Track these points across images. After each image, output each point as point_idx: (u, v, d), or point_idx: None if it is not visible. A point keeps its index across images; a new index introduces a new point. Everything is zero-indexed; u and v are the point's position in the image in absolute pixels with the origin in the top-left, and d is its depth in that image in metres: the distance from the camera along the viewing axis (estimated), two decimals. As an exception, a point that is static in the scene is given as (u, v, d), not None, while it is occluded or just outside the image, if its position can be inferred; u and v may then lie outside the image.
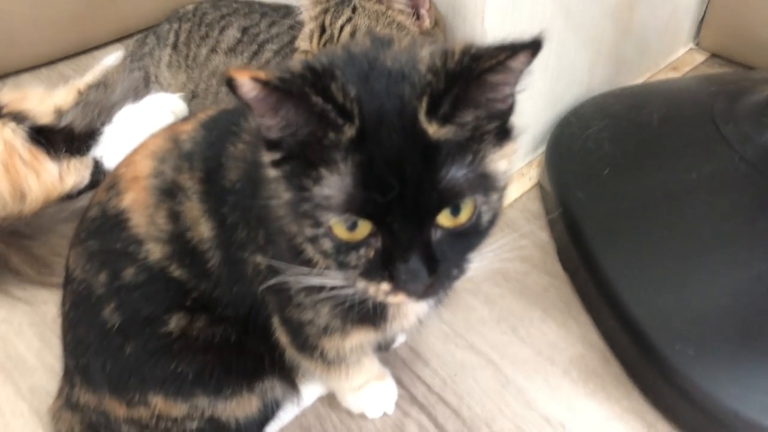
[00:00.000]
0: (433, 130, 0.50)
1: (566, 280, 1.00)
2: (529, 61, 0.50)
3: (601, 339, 0.92)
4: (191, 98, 1.13)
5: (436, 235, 0.53)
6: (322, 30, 0.91)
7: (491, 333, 0.94)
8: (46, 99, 1.25)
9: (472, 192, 0.52)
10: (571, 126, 1.11)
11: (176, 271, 0.69)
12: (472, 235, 0.55)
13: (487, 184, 0.53)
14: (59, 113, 1.22)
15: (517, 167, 1.14)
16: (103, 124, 1.09)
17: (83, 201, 1.07)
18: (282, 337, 0.74)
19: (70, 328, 0.75)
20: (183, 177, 0.69)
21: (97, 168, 1.08)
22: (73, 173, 1.07)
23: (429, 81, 0.50)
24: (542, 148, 1.15)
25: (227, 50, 1.14)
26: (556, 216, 1.03)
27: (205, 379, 0.73)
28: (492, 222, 0.56)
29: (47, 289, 1.00)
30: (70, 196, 1.08)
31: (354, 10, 0.90)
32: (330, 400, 0.87)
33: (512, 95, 0.53)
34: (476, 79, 0.49)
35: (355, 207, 0.51)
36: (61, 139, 1.07)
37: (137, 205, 0.70)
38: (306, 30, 0.94)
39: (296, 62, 0.55)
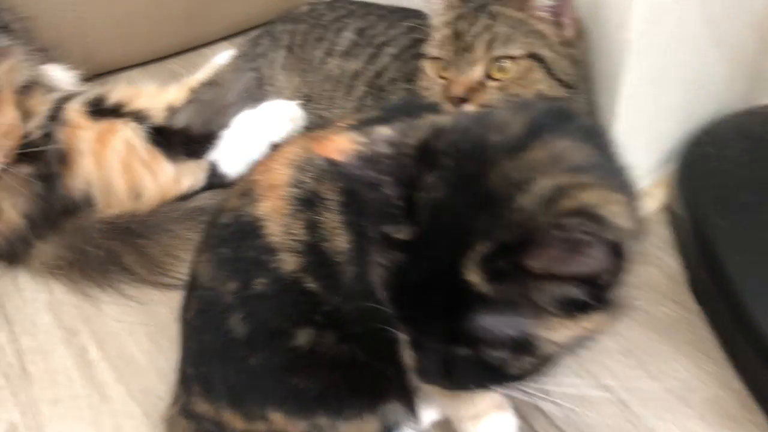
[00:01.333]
0: (478, 280, 0.44)
1: (699, 313, 0.93)
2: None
3: (741, 381, 0.85)
4: (306, 102, 1.10)
5: (454, 351, 0.48)
6: (456, 37, 0.86)
7: (617, 366, 0.88)
8: (159, 96, 1.25)
9: (500, 346, 0.46)
10: (705, 146, 1.04)
11: (309, 284, 0.67)
12: (495, 373, 0.49)
13: (524, 346, 0.46)
14: (171, 110, 1.22)
15: (641, 185, 1.07)
16: (219, 127, 1.08)
17: (197, 202, 1.07)
18: (407, 357, 0.71)
19: (193, 334, 0.73)
20: (323, 187, 0.66)
21: (213, 171, 1.07)
22: (189, 175, 1.07)
23: (512, 224, 0.43)
24: (669, 166, 1.08)
25: (343, 53, 1.12)
26: (688, 242, 0.96)
27: (329, 398, 0.70)
28: (521, 377, 0.50)
29: (158, 289, 0.99)
30: (183, 197, 1.07)
31: (492, 16, 0.86)
32: (445, 426, 0.83)
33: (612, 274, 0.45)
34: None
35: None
36: (179, 140, 1.07)
37: (273, 213, 0.67)
38: (437, 36, 0.90)
39: (419, 128, 0.50)
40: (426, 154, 0.46)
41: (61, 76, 1.19)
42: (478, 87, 0.85)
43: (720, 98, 1.09)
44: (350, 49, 1.11)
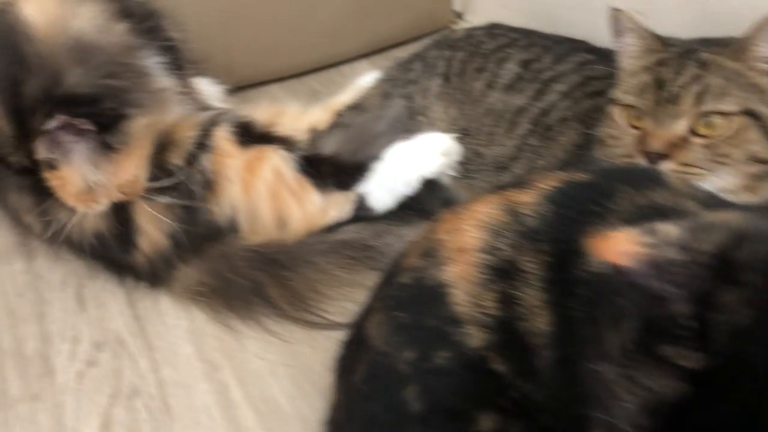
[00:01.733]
0: None
1: None
2: None
3: None
4: (462, 136, 1.03)
5: None
6: (658, 85, 0.77)
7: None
8: (302, 117, 1.22)
9: None
10: None
11: (496, 365, 0.60)
12: None
13: None
14: (314, 133, 1.18)
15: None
16: (367, 157, 1.02)
17: (342, 235, 1.02)
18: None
19: (360, 401, 0.67)
20: (523, 258, 0.59)
21: (361, 204, 1.02)
22: (336, 207, 1.02)
23: None
24: None
25: (506, 87, 1.04)
26: None
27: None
28: None
29: (301, 326, 0.94)
30: (327, 229, 1.03)
31: (702, 65, 0.76)
32: None
33: None
34: None
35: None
36: (327, 170, 1.02)
37: (461, 280, 0.61)
38: (632, 81, 0.81)
39: (712, 230, 0.42)
40: (725, 265, 0.38)
41: (209, 90, 1.17)
42: (681, 143, 0.75)
43: None
44: (514, 83, 1.04)
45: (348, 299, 0.96)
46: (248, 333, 0.95)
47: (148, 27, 0.97)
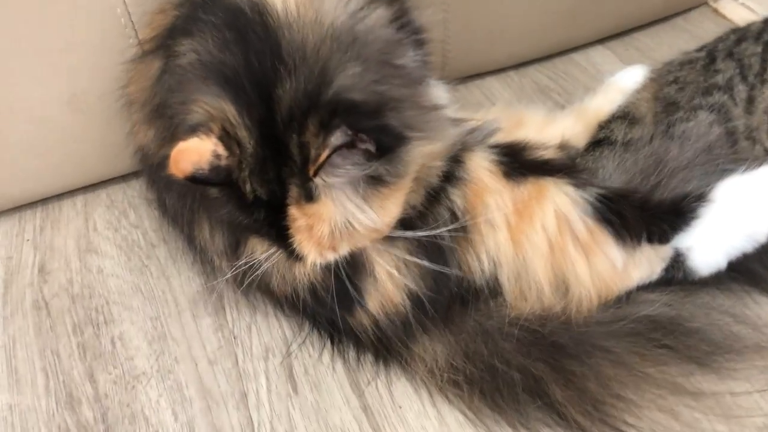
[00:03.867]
0: None
1: None
2: None
3: None
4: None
5: None
6: None
7: None
8: (547, 127, 0.94)
9: None
10: None
11: None
12: None
13: None
14: (566, 150, 0.89)
15: None
16: (689, 199, 0.73)
17: (649, 309, 0.74)
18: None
19: None
20: None
21: (676, 263, 0.73)
22: (642, 266, 0.74)
23: None
24: None
25: None
26: None
27: None
28: None
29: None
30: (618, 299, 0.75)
31: None
32: None
33: None
34: None
35: None
36: (634, 213, 0.73)
37: None
38: None
39: None
40: None
41: (440, 93, 0.89)
42: None
43: None
44: None
45: (662, 409, 0.69)
46: (523, 448, 0.69)
47: (402, 11, 0.70)
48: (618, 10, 1.15)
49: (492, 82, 1.13)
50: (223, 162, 0.60)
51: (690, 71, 0.89)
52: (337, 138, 0.57)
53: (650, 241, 0.73)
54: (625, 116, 0.91)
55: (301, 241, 0.63)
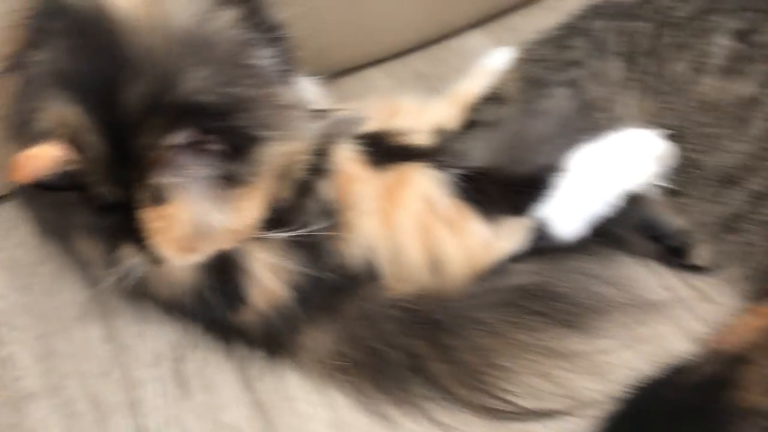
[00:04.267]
0: None
1: None
2: None
3: None
4: (670, 138, 0.77)
5: None
6: None
7: None
8: (423, 114, 0.97)
9: None
10: None
11: None
12: None
13: None
14: (442, 135, 0.93)
15: None
16: (543, 169, 0.77)
17: (515, 278, 0.78)
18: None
19: None
20: None
21: (540, 232, 0.77)
22: (507, 237, 0.77)
23: None
24: None
25: (722, 69, 0.78)
26: None
27: None
28: None
29: (479, 415, 0.71)
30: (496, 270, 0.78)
31: None
32: None
33: None
34: None
35: None
36: (493, 189, 0.77)
37: None
38: None
39: None
40: None
41: (310, 90, 0.91)
42: None
43: None
44: (732, 64, 0.77)
45: (536, 372, 0.73)
46: (409, 426, 0.71)
47: (252, 10, 0.71)
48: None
49: (373, 73, 1.15)
50: (70, 167, 0.60)
51: (549, 49, 0.93)
52: (178, 139, 0.58)
53: (514, 213, 0.77)
54: (494, 97, 0.95)
55: (159, 243, 0.64)
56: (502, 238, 0.77)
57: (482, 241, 0.77)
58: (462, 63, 1.14)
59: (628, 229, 0.82)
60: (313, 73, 0.94)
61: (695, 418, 0.46)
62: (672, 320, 0.77)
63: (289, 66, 0.79)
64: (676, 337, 0.75)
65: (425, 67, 1.16)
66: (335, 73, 1.09)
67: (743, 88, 0.76)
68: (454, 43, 1.20)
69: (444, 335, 0.74)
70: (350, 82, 1.12)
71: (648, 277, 0.81)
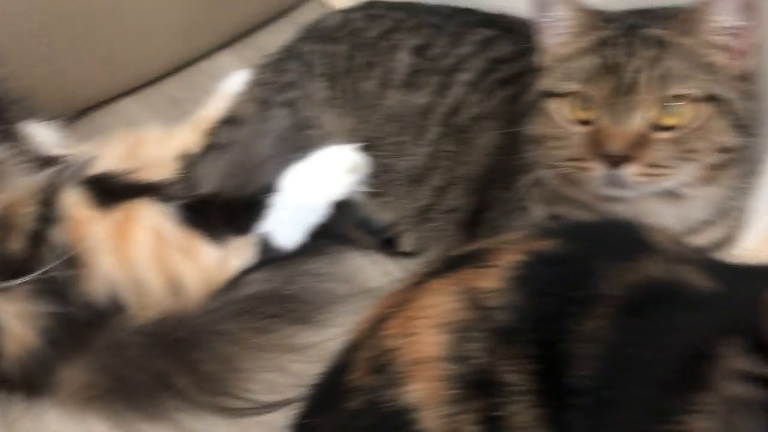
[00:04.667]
0: None
1: None
2: None
3: None
4: (365, 147, 0.89)
5: None
6: (611, 71, 0.64)
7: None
8: (167, 142, 1.04)
9: None
10: None
11: None
12: None
13: None
14: (187, 159, 1.00)
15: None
16: (262, 189, 0.87)
17: (249, 288, 0.87)
18: None
19: None
20: (502, 366, 0.48)
21: (265, 246, 0.87)
22: (236, 255, 0.86)
23: None
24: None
25: (403, 83, 0.90)
26: None
27: None
28: None
29: (224, 416, 0.80)
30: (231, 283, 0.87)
31: (657, 43, 0.64)
32: None
33: None
34: None
35: None
36: (217, 215, 0.86)
37: (428, 401, 0.49)
38: (573, 66, 0.68)
39: None
40: None
41: (43, 135, 0.95)
42: (644, 140, 0.64)
43: None
44: (411, 78, 0.90)
45: (274, 369, 0.83)
46: (163, 435, 0.80)
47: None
48: (233, 15, 1.26)
49: (127, 104, 1.20)
50: None
51: (271, 72, 1.03)
52: None
53: (240, 233, 0.86)
54: (229, 120, 1.03)
55: None
56: (232, 256, 0.86)
57: (215, 262, 0.85)
58: (213, 85, 1.22)
59: (350, 229, 0.94)
60: (53, 117, 0.99)
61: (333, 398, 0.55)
62: (389, 302, 0.89)
63: (8, 115, 0.84)
64: (392, 317, 0.88)
65: (179, 92, 1.22)
66: (85, 109, 1.14)
67: (419, 98, 0.89)
68: (205, 65, 1.26)
69: (187, 351, 0.82)
70: (102, 116, 1.16)
71: (371, 267, 0.93)
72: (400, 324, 0.52)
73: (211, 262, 0.85)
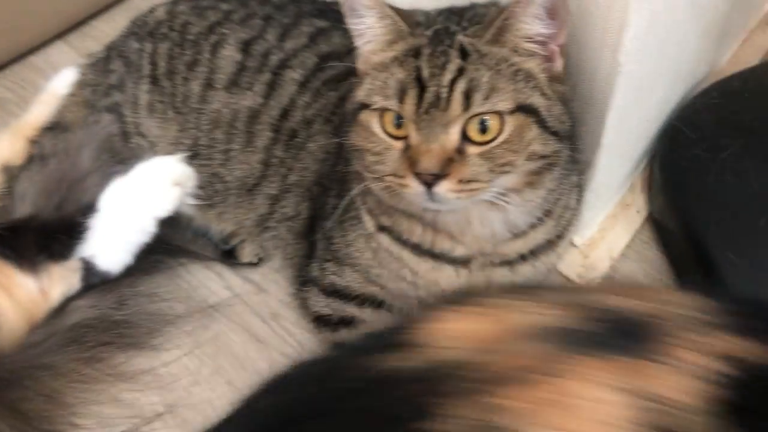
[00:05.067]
0: None
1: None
2: None
3: None
4: (191, 158, 0.82)
5: None
6: (419, 85, 0.60)
7: None
8: (-14, 152, 0.94)
9: None
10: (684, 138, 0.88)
11: None
12: None
13: None
14: (9, 173, 0.92)
15: (617, 197, 0.91)
16: (82, 210, 0.80)
17: (75, 316, 0.82)
18: None
19: None
20: None
21: (89, 270, 0.81)
22: (58, 282, 0.80)
23: None
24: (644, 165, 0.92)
25: (228, 83, 0.84)
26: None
27: None
28: None
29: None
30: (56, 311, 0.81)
31: (464, 54, 0.61)
32: None
33: None
34: None
35: None
36: (31, 242, 0.79)
37: None
38: (382, 78, 0.63)
39: None
40: None
41: None
42: (457, 157, 0.60)
43: (693, 75, 0.93)
44: (237, 77, 0.84)
45: (105, 400, 0.78)
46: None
47: None
48: (63, 2, 1.16)
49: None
50: None
51: (96, 72, 0.95)
52: None
53: (55, 259, 0.79)
54: (54, 126, 0.95)
55: None
56: (54, 285, 0.80)
57: (34, 293, 0.79)
58: (44, 82, 1.12)
59: (189, 241, 0.89)
60: None
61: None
62: (230, 318, 0.85)
63: None
64: (234, 333, 0.84)
65: (3, 92, 1.12)
66: None
67: (247, 101, 0.83)
68: (35, 59, 1.16)
69: (7, 391, 0.76)
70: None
71: (212, 281, 0.89)
72: (531, 399, 0.35)
73: (31, 294, 0.79)
